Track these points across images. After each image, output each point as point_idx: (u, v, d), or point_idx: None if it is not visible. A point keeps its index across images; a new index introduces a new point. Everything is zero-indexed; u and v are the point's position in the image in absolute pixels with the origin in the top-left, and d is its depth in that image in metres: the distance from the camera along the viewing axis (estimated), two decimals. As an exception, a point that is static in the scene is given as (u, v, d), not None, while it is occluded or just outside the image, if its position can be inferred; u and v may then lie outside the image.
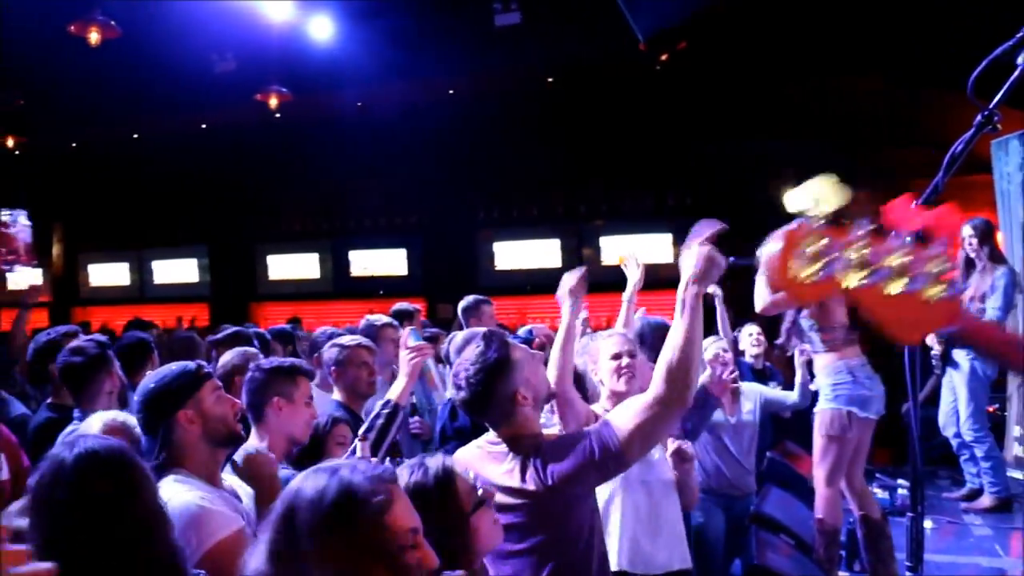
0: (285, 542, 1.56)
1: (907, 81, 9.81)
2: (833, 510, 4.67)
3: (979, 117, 1.74)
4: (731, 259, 5.42)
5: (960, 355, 6.31)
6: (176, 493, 2.26)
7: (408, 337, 3.34)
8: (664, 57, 9.96)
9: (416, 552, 1.62)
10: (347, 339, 4.13)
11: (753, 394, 5.07)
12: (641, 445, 2.38)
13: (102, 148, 14.36)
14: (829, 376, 4.60)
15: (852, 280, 1.00)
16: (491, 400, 2.49)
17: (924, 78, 9.08)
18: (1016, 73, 1.68)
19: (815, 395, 5.06)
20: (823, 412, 4.60)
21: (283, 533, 1.57)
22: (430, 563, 1.63)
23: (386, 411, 3.14)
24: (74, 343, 3.74)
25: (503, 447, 2.48)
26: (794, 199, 0.99)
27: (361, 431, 3.08)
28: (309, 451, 3.09)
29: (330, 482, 1.59)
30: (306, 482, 1.62)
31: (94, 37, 8.63)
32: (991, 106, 1.71)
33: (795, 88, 10.68)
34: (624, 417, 2.38)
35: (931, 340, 6.35)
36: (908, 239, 1.01)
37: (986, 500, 6.31)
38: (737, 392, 4.92)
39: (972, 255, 6.29)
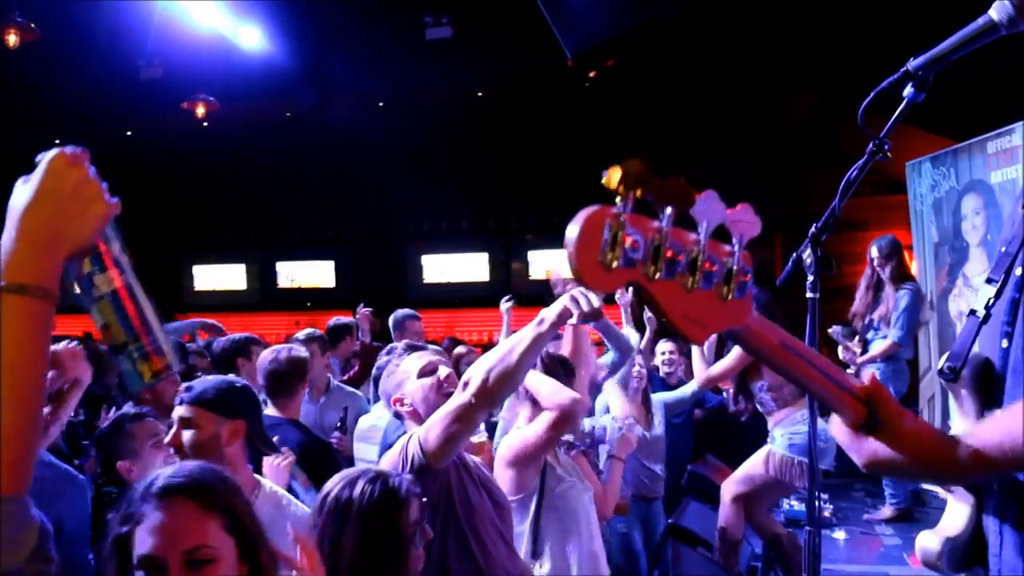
0: None
1: (837, 99, 10.07)
2: (736, 523, 4.79)
3: (871, 145, 1.82)
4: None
5: (869, 370, 6.51)
6: None
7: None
8: (592, 74, 10.07)
9: None
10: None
11: (657, 405, 5.22)
12: (447, 451, 2.42)
13: (20, 155, 13.94)
14: (785, 426, 4.65)
15: (650, 271, 0.95)
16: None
17: (854, 97, 9.31)
18: (902, 106, 1.76)
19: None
20: (775, 454, 4.67)
21: None
22: None
23: None
24: None
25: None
26: (607, 179, 0.94)
27: None
28: None
29: None
30: None
31: (12, 39, 8.41)
32: (881, 135, 1.79)
33: (725, 104, 10.88)
34: (430, 426, 2.43)
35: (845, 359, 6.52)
36: (707, 234, 0.98)
37: (887, 511, 6.51)
38: (649, 406, 5.06)
39: (880, 275, 6.50)
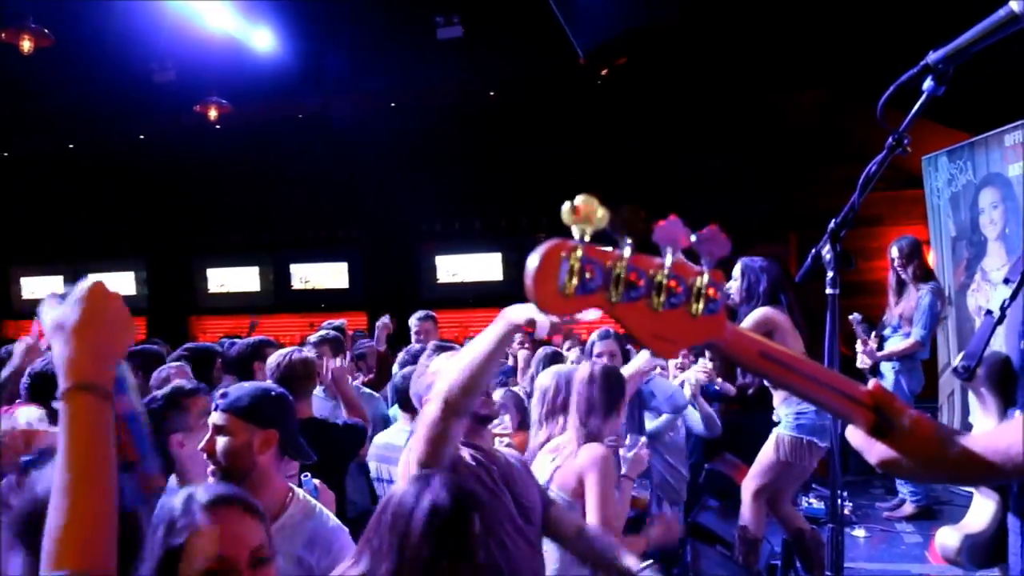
0: None
1: (848, 96, 10.02)
2: (757, 520, 4.78)
3: (890, 140, 1.79)
4: None
5: (886, 368, 6.47)
6: None
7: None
8: (604, 72, 10.05)
9: None
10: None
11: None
12: (436, 459, 2.43)
13: (36, 158, 14.06)
14: (791, 405, 4.66)
15: (613, 295, 1.01)
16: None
17: (864, 93, 9.27)
18: (922, 99, 1.74)
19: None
20: (783, 437, 4.67)
21: None
22: None
23: None
24: None
25: None
26: (563, 214, 1.01)
27: None
28: None
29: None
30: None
31: (26, 45, 8.45)
32: (900, 129, 1.77)
33: (736, 103, 10.83)
34: (415, 441, 2.46)
35: (860, 358, 6.46)
36: (673, 256, 1.04)
37: (908, 508, 6.47)
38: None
39: (902, 275, 6.46)
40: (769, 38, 8.88)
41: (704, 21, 8.55)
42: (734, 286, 4.86)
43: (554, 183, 12.31)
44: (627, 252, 1.02)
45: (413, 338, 6.57)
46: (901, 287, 6.50)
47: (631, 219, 1.02)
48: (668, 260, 1.03)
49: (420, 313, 6.91)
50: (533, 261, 1.00)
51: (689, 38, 8.92)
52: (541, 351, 5.33)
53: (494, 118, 11.87)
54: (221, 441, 2.58)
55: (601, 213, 1.00)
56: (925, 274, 6.45)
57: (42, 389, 3.30)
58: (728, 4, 8.59)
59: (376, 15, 9.66)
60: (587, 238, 1.01)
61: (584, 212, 1.01)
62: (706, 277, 1.05)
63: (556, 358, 5.02)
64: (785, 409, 4.71)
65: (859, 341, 6.36)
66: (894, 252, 6.52)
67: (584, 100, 10.98)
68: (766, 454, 4.79)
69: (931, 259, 7.70)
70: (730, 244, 1.05)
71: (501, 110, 11.81)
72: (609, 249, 1.03)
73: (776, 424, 4.83)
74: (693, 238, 1.05)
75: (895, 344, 6.40)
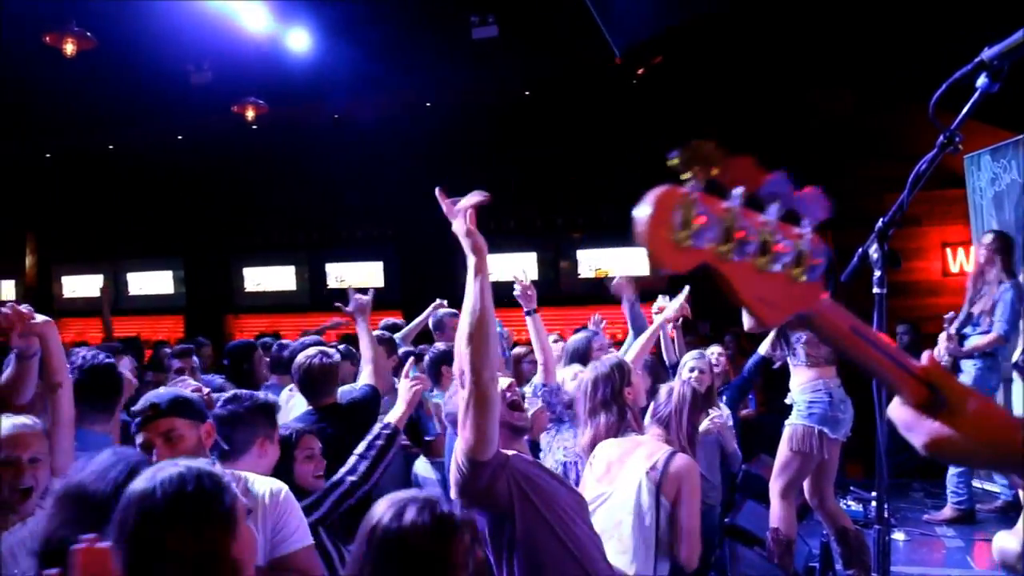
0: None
1: (878, 96, 9.91)
2: (787, 521, 4.76)
3: (941, 138, 1.77)
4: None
5: (967, 365, 6.30)
6: None
7: (409, 368, 3.48)
8: (640, 71, 10.01)
9: None
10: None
11: (720, 412, 5.11)
12: (485, 440, 2.46)
13: (77, 158, 14.26)
14: (806, 393, 4.65)
15: (723, 251, 0.94)
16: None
17: (895, 93, 9.18)
18: (975, 96, 1.71)
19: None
20: (795, 427, 4.66)
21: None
22: None
23: (387, 432, 3.20)
24: None
25: None
26: (676, 160, 0.93)
27: (360, 449, 3.17)
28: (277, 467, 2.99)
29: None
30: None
31: (69, 48, 8.56)
32: (952, 127, 1.74)
33: (768, 102, 10.75)
34: (461, 429, 2.51)
35: (939, 349, 6.28)
36: (778, 216, 0.97)
37: (947, 512, 6.36)
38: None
39: (986, 269, 6.31)
40: (802, 38, 8.80)
41: (738, 20, 8.49)
42: None
43: (590, 182, 12.31)
44: (738, 205, 0.95)
45: (436, 336, 6.54)
46: (982, 280, 6.32)
47: (745, 169, 0.96)
48: (774, 218, 0.97)
49: (439, 312, 6.88)
50: (644, 209, 0.91)
51: (722, 36, 8.86)
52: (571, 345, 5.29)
53: (529, 118, 11.85)
54: (175, 447, 2.53)
55: (718, 157, 0.93)
56: (1009, 270, 6.28)
57: None
58: (760, 4, 8.52)
59: (411, 15, 9.67)
60: (700, 186, 0.93)
61: (700, 156, 0.94)
62: (808, 241, 0.99)
63: (584, 356, 4.99)
64: (801, 396, 4.70)
65: (944, 335, 6.19)
66: (986, 239, 6.36)
67: (619, 99, 10.94)
68: (781, 450, 4.79)
69: (972, 259, 7.57)
70: (830, 208, 1.00)
71: (536, 110, 11.79)
72: (719, 200, 0.96)
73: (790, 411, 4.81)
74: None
75: (977, 340, 6.23)
